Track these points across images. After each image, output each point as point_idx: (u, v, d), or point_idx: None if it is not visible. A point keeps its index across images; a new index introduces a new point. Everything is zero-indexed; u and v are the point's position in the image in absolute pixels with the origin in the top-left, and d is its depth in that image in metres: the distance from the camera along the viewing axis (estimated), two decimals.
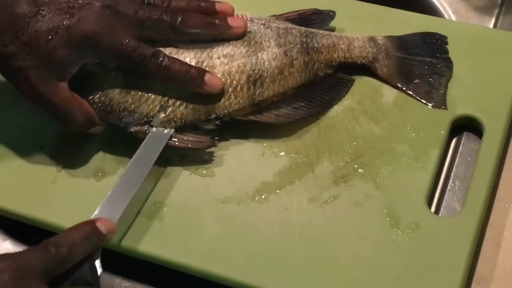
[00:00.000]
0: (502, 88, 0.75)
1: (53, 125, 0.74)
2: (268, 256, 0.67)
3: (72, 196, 0.72)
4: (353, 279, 0.65)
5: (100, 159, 0.74)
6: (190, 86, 0.72)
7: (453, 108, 0.74)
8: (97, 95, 0.72)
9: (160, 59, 0.71)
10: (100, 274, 0.62)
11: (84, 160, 0.74)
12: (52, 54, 0.69)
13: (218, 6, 0.75)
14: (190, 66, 0.72)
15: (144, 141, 0.71)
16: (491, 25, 0.85)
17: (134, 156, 0.70)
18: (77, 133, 0.74)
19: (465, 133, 0.75)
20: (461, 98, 0.75)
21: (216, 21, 0.74)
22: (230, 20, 0.74)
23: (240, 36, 0.74)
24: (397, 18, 0.82)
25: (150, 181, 0.71)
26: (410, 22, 0.81)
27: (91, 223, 0.63)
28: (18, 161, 0.75)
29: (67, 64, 0.70)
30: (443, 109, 0.74)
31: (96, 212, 0.66)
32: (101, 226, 0.63)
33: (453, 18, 0.86)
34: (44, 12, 0.69)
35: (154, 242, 0.68)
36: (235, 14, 0.77)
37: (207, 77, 0.72)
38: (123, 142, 0.74)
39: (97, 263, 0.62)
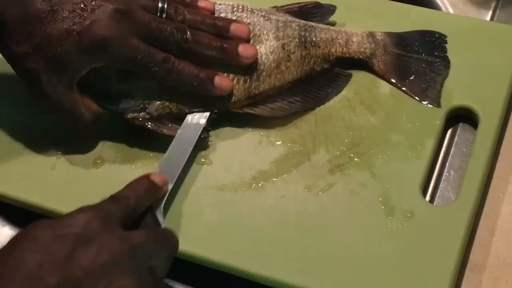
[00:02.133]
0: (497, 79, 0.75)
1: None
2: (264, 243, 0.68)
3: (71, 183, 0.73)
4: (347, 266, 0.66)
5: (99, 146, 0.75)
6: (201, 89, 0.73)
7: (449, 99, 0.75)
8: (96, 81, 0.72)
9: (171, 63, 0.71)
10: (163, 224, 0.65)
11: (84, 147, 0.75)
12: (62, 59, 0.69)
13: (233, 28, 0.74)
14: (200, 70, 0.72)
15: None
16: (488, 18, 0.85)
17: (183, 123, 0.73)
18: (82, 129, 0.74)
19: (460, 123, 0.76)
20: (457, 89, 0.75)
21: (226, 45, 0.73)
22: (241, 48, 0.73)
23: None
24: (395, 11, 0.82)
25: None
26: (408, 15, 0.81)
27: (146, 177, 0.66)
28: (18, 148, 0.76)
29: (77, 68, 0.70)
30: (437, 107, 0.74)
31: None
32: (155, 179, 0.66)
33: (451, 11, 0.87)
34: (58, 12, 0.69)
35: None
36: (236, 5, 0.77)
37: (216, 80, 0.73)
38: (122, 130, 0.75)
39: (159, 214, 0.66)
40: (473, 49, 0.78)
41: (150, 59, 0.70)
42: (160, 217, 0.66)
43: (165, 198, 0.67)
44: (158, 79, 0.72)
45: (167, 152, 0.71)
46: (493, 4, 0.86)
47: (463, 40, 0.79)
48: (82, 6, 0.69)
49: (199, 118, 0.73)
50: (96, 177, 0.73)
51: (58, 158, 0.75)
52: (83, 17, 0.69)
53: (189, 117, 0.73)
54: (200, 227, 0.69)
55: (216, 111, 0.74)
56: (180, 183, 0.71)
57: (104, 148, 0.75)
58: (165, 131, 0.73)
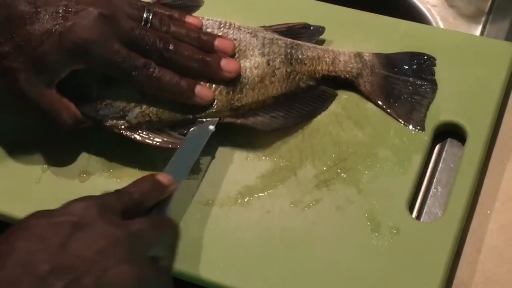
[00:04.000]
0: (486, 95, 0.75)
1: (39, 125, 0.74)
2: (249, 259, 0.67)
3: (56, 197, 0.71)
4: (332, 283, 0.65)
5: (85, 160, 0.75)
6: (181, 98, 0.72)
7: (437, 114, 0.74)
8: (77, 87, 0.72)
9: (151, 70, 0.71)
10: None
11: (69, 161, 0.75)
12: (42, 59, 0.69)
13: (217, 43, 0.74)
14: (181, 78, 0.72)
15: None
16: (478, 33, 0.85)
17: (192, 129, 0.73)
18: (63, 133, 0.74)
19: (449, 139, 0.75)
20: (445, 104, 0.75)
21: (208, 59, 0.73)
22: (223, 62, 0.73)
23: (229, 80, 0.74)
24: (384, 25, 0.82)
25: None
26: (397, 29, 0.81)
27: (152, 175, 0.65)
28: (3, 161, 0.75)
29: (56, 69, 0.70)
30: (421, 131, 0.73)
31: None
32: (161, 178, 0.65)
33: (441, 25, 0.87)
34: (41, 14, 0.69)
35: None
36: (223, 22, 0.77)
37: (197, 89, 0.72)
38: (108, 144, 0.75)
39: (167, 211, 0.65)
40: (462, 64, 0.78)
41: (130, 64, 0.70)
42: (168, 214, 0.65)
43: (172, 198, 0.66)
44: (138, 85, 0.72)
45: (174, 154, 0.70)
46: (483, 19, 0.86)
47: (452, 55, 0.78)
48: (66, 8, 0.69)
49: (208, 124, 0.72)
50: (81, 191, 0.71)
51: (44, 171, 0.74)
52: (65, 19, 0.69)
53: (197, 123, 0.73)
54: (185, 243, 0.67)
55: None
56: None
57: (90, 161, 0.75)
58: (139, 138, 0.72)
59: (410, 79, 0.76)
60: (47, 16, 0.69)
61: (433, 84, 0.76)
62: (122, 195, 0.61)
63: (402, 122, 0.74)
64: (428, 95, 0.75)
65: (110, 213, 0.58)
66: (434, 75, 0.77)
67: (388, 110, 0.75)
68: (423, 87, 0.76)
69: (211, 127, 0.72)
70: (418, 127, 0.73)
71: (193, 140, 0.72)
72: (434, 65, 0.77)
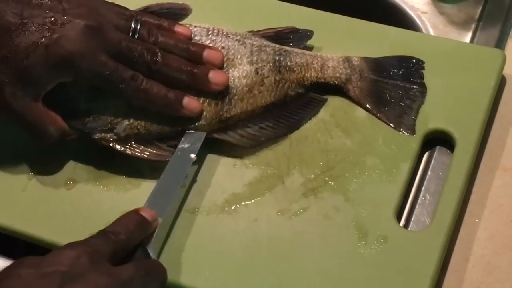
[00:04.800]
0: (475, 103, 0.74)
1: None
2: (235, 267, 0.67)
3: (42, 205, 0.72)
4: None
5: (71, 168, 0.74)
6: (168, 110, 0.72)
7: (425, 122, 0.74)
8: (64, 100, 0.72)
9: (139, 81, 0.70)
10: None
11: (55, 168, 0.74)
12: (28, 72, 0.68)
13: (206, 54, 0.73)
14: (168, 90, 0.71)
15: (181, 141, 0.72)
16: (468, 40, 0.85)
17: (173, 155, 0.71)
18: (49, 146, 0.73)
19: (438, 147, 0.75)
20: (434, 112, 0.74)
21: (196, 71, 0.72)
22: (211, 74, 0.72)
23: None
24: (373, 32, 0.81)
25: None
26: (386, 36, 0.81)
27: (136, 212, 0.64)
28: None
29: (43, 82, 0.69)
30: (411, 135, 0.73)
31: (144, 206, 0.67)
32: (145, 214, 0.64)
33: (431, 32, 0.86)
34: (27, 25, 0.68)
35: None
36: (211, 29, 0.76)
37: (185, 101, 0.72)
38: (94, 152, 0.74)
39: (150, 249, 0.63)
40: (452, 71, 0.77)
41: (117, 76, 0.69)
42: (151, 252, 0.64)
43: (155, 233, 0.65)
44: (126, 97, 0.71)
45: (155, 186, 0.69)
46: (473, 26, 0.86)
47: (442, 62, 0.78)
48: (52, 20, 0.69)
49: (189, 152, 0.71)
50: (67, 199, 0.72)
51: (30, 179, 0.74)
52: (52, 31, 0.68)
53: (179, 149, 0.72)
54: (171, 251, 0.68)
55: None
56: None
57: (76, 169, 0.74)
58: (128, 152, 0.72)
59: (399, 83, 0.76)
60: (34, 28, 0.68)
61: (423, 87, 0.76)
62: (109, 238, 0.60)
63: (393, 126, 0.74)
64: (418, 99, 0.75)
65: (100, 261, 0.57)
66: (423, 78, 0.76)
67: (378, 115, 0.75)
68: (412, 90, 0.76)
69: (193, 156, 0.71)
70: (409, 131, 0.73)
71: (174, 171, 0.70)
72: (423, 68, 0.77)
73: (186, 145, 0.72)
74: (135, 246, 0.63)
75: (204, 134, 0.73)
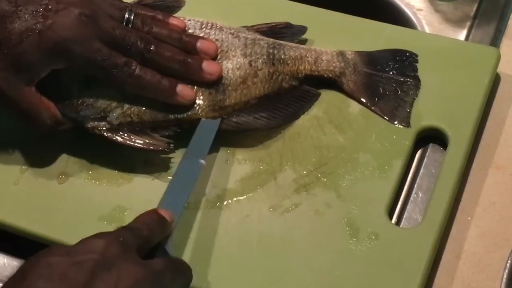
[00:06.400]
0: (469, 100, 0.74)
1: (18, 126, 0.74)
2: (226, 263, 0.67)
3: (34, 199, 0.72)
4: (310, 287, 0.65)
5: (64, 161, 0.74)
6: (162, 96, 0.72)
7: (418, 119, 0.74)
8: (57, 88, 0.72)
9: (132, 68, 0.70)
10: None
11: (48, 162, 0.74)
12: (21, 58, 0.68)
13: (199, 44, 0.73)
14: (162, 76, 0.71)
15: (194, 133, 0.72)
16: (463, 38, 0.85)
17: (186, 149, 0.71)
18: (43, 134, 0.73)
19: (431, 144, 0.74)
20: (428, 109, 0.74)
21: (190, 60, 0.72)
22: (205, 64, 0.72)
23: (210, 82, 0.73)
24: (368, 29, 0.81)
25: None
26: (381, 33, 0.80)
27: (156, 211, 0.63)
28: None
29: (36, 68, 0.69)
30: (406, 127, 0.73)
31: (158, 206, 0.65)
32: (164, 214, 0.63)
33: (427, 30, 0.86)
34: (21, 12, 0.68)
35: None
36: (205, 22, 0.76)
37: (179, 88, 0.72)
38: (87, 146, 0.74)
39: (168, 249, 0.62)
40: (446, 69, 0.77)
41: (111, 62, 0.69)
42: (170, 252, 0.63)
43: (172, 234, 0.64)
44: (119, 84, 0.71)
45: (168, 186, 0.67)
46: (468, 24, 0.86)
47: (436, 59, 0.78)
48: (46, 7, 0.69)
49: (199, 155, 0.70)
50: (59, 193, 0.72)
51: (22, 172, 0.74)
52: (46, 18, 0.68)
53: (189, 151, 0.71)
54: None
55: (178, 127, 0.73)
56: (143, 201, 0.70)
57: (69, 163, 0.74)
58: (120, 140, 0.71)
59: (393, 76, 0.76)
60: (27, 15, 0.68)
61: (416, 80, 0.76)
62: (135, 232, 0.59)
63: (387, 119, 0.74)
64: (412, 91, 0.75)
65: (130, 251, 0.56)
66: (416, 71, 0.77)
67: (372, 108, 0.75)
68: (406, 83, 0.76)
69: (202, 161, 0.70)
70: (403, 123, 0.73)
71: (184, 175, 0.69)
72: (417, 61, 0.77)
73: (196, 150, 0.71)
74: (155, 245, 0.61)
75: (218, 121, 0.73)
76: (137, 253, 0.57)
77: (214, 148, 0.74)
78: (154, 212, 0.63)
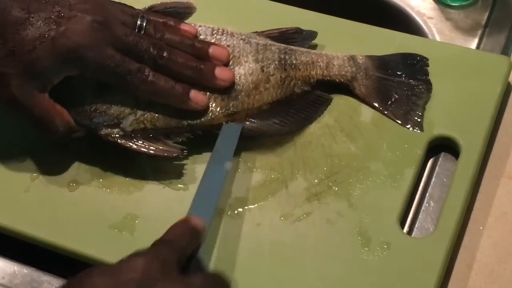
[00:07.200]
0: (480, 109, 0.74)
1: (29, 133, 0.74)
2: (237, 272, 0.66)
3: (45, 206, 0.72)
4: None
5: (74, 169, 0.74)
6: (175, 102, 0.72)
7: (430, 128, 0.73)
8: (70, 96, 0.72)
9: (146, 74, 0.70)
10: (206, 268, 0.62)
11: (58, 170, 0.74)
12: (34, 64, 0.68)
13: (211, 50, 0.73)
14: (175, 82, 0.71)
15: (218, 138, 0.71)
16: (474, 46, 0.84)
17: (211, 155, 0.70)
18: (56, 141, 0.73)
19: (442, 153, 0.74)
20: (439, 118, 0.74)
21: (202, 66, 0.72)
22: (217, 71, 0.72)
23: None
24: (379, 37, 0.81)
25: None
26: (392, 41, 0.80)
27: (188, 220, 0.62)
28: None
29: (49, 75, 0.69)
30: (419, 131, 0.73)
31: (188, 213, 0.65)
32: (197, 223, 0.62)
33: (438, 38, 0.86)
34: (33, 19, 0.68)
35: (123, 255, 0.67)
36: (216, 28, 0.76)
37: (192, 93, 0.72)
38: (98, 153, 0.74)
39: (200, 258, 0.61)
40: (457, 78, 0.77)
41: (124, 68, 0.69)
42: (202, 261, 0.62)
43: (203, 242, 0.63)
44: (132, 90, 0.71)
45: (196, 194, 0.66)
46: (479, 32, 0.85)
47: (447, 67, 0.78)
48: (59, 14, 0.69)
49: (224, 160, 0.69)
50: (70, 201, 0.72)
51: (32, 180, 0.74)
52: (58, 24, 0.68)
53: (214, 156, 0.71)
54: None
55: (191, 133, 0.73)
56: (154, 209, 0.70)
57: (79, 171, 0.74)
58: (134, 147, 0.71)
59: (405, 80, 0.76)
60: (40, 22, 0.68)
61: (428, 84, 0.76)
62: (172, 246, 0.58)
63: (400, 123, 0.74)
64: (424, 95, 0.75)
65: (170, 268, 0.55)
66: (428, 75, 0.77)
67: (385, 112, 0.75)
68: (418, 87, 0.76)
69: (228, 166, 0.69)
70: (416, 127, 0.73)
71: (211, 181, 0.68)
72: (427, 65, 0.77)
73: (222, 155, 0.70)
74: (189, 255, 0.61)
75: (241, 126, 0.73)
76: (176, 267, 0.56)
77: None
78: (187, 221, 0.62)
